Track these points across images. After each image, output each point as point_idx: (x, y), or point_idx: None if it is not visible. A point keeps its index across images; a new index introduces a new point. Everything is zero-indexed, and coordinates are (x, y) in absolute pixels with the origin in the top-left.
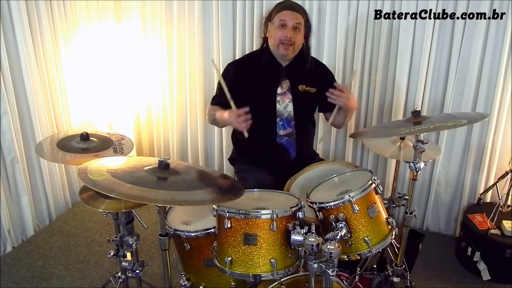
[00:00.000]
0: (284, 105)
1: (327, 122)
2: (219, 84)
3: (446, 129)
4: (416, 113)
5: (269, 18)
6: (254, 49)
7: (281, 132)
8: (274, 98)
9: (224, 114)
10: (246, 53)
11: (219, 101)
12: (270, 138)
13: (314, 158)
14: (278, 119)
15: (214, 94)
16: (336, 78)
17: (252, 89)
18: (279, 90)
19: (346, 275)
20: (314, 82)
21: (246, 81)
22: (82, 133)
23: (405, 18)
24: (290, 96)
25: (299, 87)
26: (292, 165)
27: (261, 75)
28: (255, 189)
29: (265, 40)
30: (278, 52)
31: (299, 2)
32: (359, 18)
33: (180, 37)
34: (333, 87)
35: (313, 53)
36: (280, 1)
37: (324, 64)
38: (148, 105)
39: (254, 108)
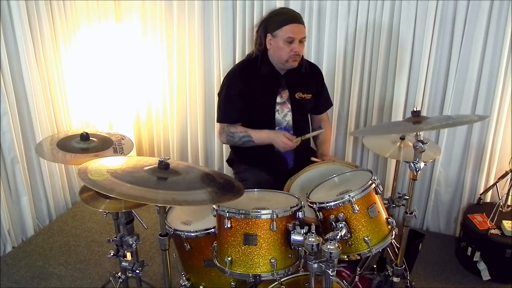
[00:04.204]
0: (283, 114)
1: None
2: (227, 97)
3: (445, 127)
4: (416, 113)
5: (265, 27)
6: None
7: None
8: (273, 107)
9: (263, 135)
10: (246, 53)
11: (236, 116)
12: (268, 147)
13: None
14: (276, 128)
15: (222, 109)
16: (336, 78)
17: (251, 99)
18: (278, 100)
19: (348, 272)
20: (309, 88)
21: (247, 91)
22: (82, 133)
23: (405, 18)
24: (290, 106)
25: (296, 95)
26: (291, 170)
27: (261, 85)
28: (255, 189)
29: (261, 49)
30: (285, 65)
31: (300, 3)
32: (359, 18)
33: (180, 37)
34: (323, 87)
35: (313, 54)
36: (277, 9)
37: (313, 63)
38: (148, 105)
39: (253, 117)
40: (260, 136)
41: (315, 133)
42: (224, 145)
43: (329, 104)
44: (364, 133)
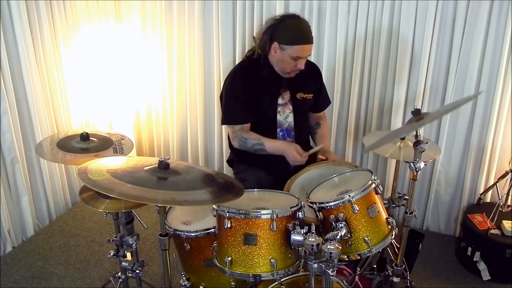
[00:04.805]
0: (285, 115)
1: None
2: (230, 96)
3: (447, 112)
4: (417, 112)
5: (273, 33)
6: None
7: None
8: (275, 109)
9: (277, 145)
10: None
11: (244, 116)
12: None
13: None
14: (278, 130)
15: (226, 110)
16: (336, 78)
17: (253, 100)
18: (280, 101)
19: (349, 270)
20: (310, 87)
21: (249, 91)
22: (82, 133)
23: (405, 18)
24: (291, 107)
25: (297, 95)
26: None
27: (262, 86)
28: (255, 189)
29: (264, 52)
30: (285, 75)
31: (299, 3)
32: (359, 18)
33: (180, 37)
34: (321, 86)
35: (313, 54)
36: (291, 18)
37: (312, 62)
38: (148, 105)
39: (255, 118)
40: (273, 145)
41: (317, 148)
42: (224, 145)
43: (327, 102)
44: (375, 147)
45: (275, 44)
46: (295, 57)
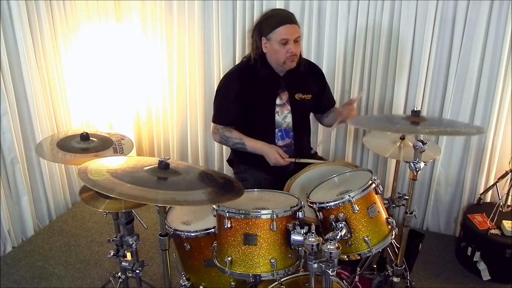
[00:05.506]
0: (283, 116)
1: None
2: (223, 98)
3: (442, 134)
4: (416, 113)
5: (259, 31)
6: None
7: (280, 143)
8: (273, 109)
9: (258, 145)
10: (246, 53)
11: (230, 119)
12: None
13: (313, 158)
14: (276, 130)
15: (216, 110)
16: (336, 78)
17: (250, 101)
18: (278, 101)
19: (347, 273)
20: (309, 88)
21: (246, 93)
22: (82, 133)
23: (405, 18)
24: (289, 108)
25: (296, 96)
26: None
27: (260, 87)
28: (255, 189)
29: (259, 53)
30: (284, 67)
31: (299, 3)
32: (359, 18)
33: (180, 37)
34: (325, 87)
35: (313, 54)
36: (269, 11)
37: (313, 63)
38: (148, 105)
39: (253, 119)
40: (254, 145)
41: (310, 160)
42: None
43: (332, 103)
44: (363, 124)
45: (264, 40)
46: (281, 41)
